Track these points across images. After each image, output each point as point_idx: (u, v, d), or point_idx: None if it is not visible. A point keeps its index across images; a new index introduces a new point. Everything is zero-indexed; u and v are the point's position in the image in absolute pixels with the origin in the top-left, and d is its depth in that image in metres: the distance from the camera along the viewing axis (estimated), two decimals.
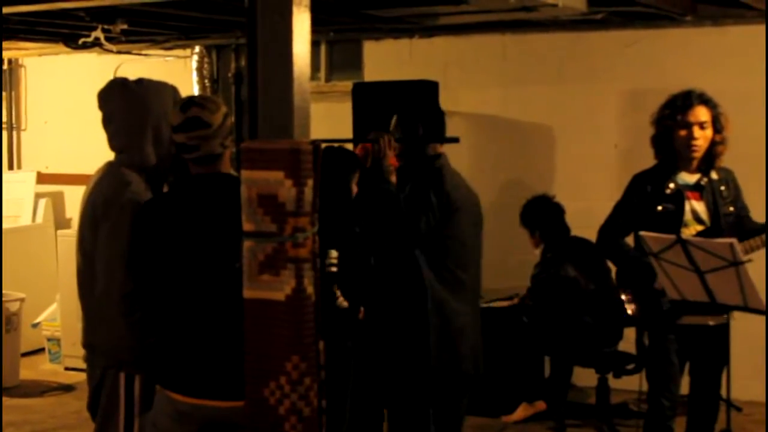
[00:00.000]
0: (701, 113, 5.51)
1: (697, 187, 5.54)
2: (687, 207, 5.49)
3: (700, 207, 5.52)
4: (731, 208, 5.55)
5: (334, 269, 5.67)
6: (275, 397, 3.71)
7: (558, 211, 7.86)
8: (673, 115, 5.53)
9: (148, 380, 4.30)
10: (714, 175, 5.56)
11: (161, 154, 4.46)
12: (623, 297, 5.75)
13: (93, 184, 4.49)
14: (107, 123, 4.56)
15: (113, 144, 4.55)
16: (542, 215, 7.84)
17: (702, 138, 5.50)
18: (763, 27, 8.25)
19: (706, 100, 5.55)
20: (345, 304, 5.74)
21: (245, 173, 3.73)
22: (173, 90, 4.59)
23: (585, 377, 7.90)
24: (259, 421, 3.75)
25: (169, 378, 4.14)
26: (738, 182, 5.68)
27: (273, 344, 3.70)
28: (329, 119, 8.68)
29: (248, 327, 3.76)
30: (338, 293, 5.70)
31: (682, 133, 5.51)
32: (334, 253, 5.67)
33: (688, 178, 5.56)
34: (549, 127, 9.00)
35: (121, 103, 4.49)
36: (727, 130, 5.58)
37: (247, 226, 3.73)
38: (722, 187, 5.56)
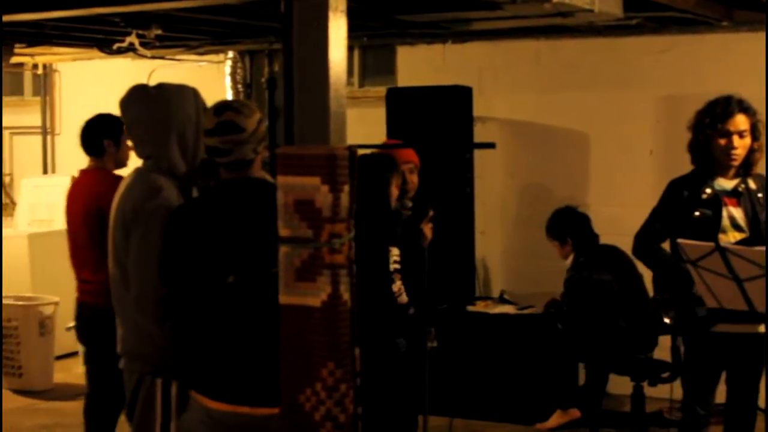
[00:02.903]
0: (741, 122, 5.46)
1: (734, 193, 5.49)
2: (724, 213, 5.45)
3: (738, 213, 5.47)
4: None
5: (397, 266, 5.72)
6: (311, 404, 3.69)
7: (585, 219, 7.88)
8: (713, 124, 5.47)
9: (184, 386, 4.29)
10: (751, 184, 5.51)
11: (188, 158, 4.45)
12: (659, 299, 5.72)
13: (123, 190, 4.48)
14: (131, 130, 4.57)
15: (139, 151, 4.55)
16: (571, 224, 7.83)
17: (741, 147, 5.45)
18: None
19: (745, 108, 5.49)
20: (406, 299, 5.78)
21: (281, 179, 3.71)
22: (194, 93, 4.57)
23: (620, 385, 7.86)
24: (294, 428, 3.73)
25: (203, 383, 4.13)
26: None
27: (308, 351, 3.69)
28: (363, 124, 8.68)
29: (284, 333, 3.75)
30: (402, 289, 5.74)
31: (722, 141, 5.46)
32: (395, 251, 5.70)
33: (726, 183, 5.52)
34: (583, 134, 8.96)
35: (143, 110, 4.49)
36: (764, 136, 5.53)
37: (283, 232, 3.71)
38: (759, 194, 5.51)
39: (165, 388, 4.35)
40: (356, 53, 9.96)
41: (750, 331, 5.36)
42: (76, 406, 6.53)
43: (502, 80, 9.19)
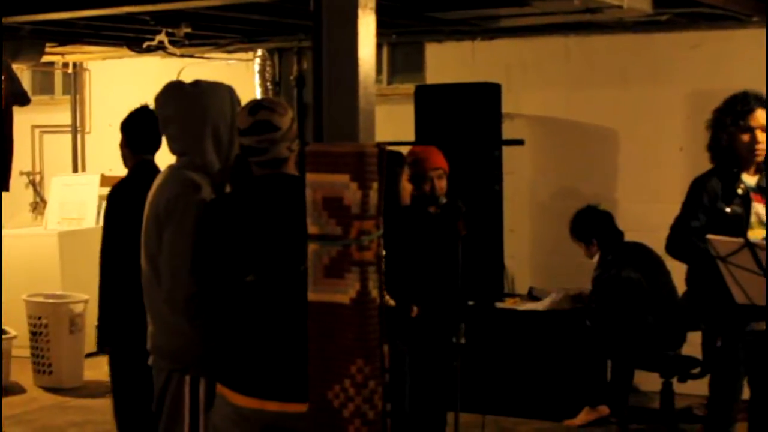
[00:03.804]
0: (762, 116, 5.43)
1: (759, 189, 5.47)
2: (753, 209, 5.43)
3: (762, 209, 5.44)
4: None
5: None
6: (339, 400, 3.70)
7: (608, 217, 7.86)
8: (735, 121, 5.44)
9: (212, 383, 4.30)
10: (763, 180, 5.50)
11: (222, 155, 4.46)
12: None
13: (156, 187, 4.50)
14: (165, 127, 4.57)
15: (173, 147, 4.56)
16: (595, 224, 7.82)
17: (764, 141, 5.42)
18: None
19: (764, 102, 5.46)
20: (391, 303, 5.74)
21: (310, 176, 3.73)
22: (230, 90, 4.58)
23: (649, 382, 7.84)
24: (323, 424, 3.75)
25: (232, 379, 4.14)
26: None
27: (337, 347, 3.70)
28: (391, 122, 8.68)
29: (312, 330, 3.76)
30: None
31: (745, 137, 5.43)
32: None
33: (750, 179, 5.49)
34: (613, 130, 8.94)
35: (179, 106, 4.50)
36: None
37: (312, 229, 3.72)
38: None
39: (193, 385, 4.37)
40: (385, 50, 9.96)
41: (762, 327, 5.35)
42: (106, 404, 6.55)
43: (530, 77, 9.17)
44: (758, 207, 5.44)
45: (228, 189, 4.44)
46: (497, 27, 8.76)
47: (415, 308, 5.88)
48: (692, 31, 8.58)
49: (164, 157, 4.87)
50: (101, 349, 5.77)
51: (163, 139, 4.67)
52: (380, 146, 3.73)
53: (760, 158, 5.44)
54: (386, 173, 5.73)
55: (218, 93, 4.52)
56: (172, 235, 4.31)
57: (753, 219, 5.41)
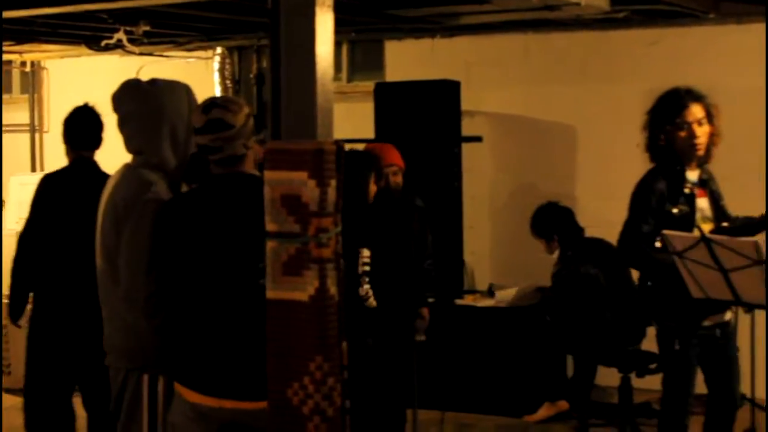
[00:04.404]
0: (697, 110, 5.45)
1: (700, 183, 5.50)
2: (697, 206, 5.45)
3: (704, 204, 5.47)
4: (722, 202, 5.53)
5: (367, 268, 5.70)
6: (298, 398, 3.70)
7: (569, 213, 7.89)
8: (670, 119, 5.46)
9: (171, 381, 4.30)
10: (706, 173, 5.53)
11: (179, 154, 4.46)
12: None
13: (112, 186, 4.49)
14: (123, 125, 4.56)
15: (130, 146, 4.55)
16: (555, 220, 7.85)
17: (703, 135, 5.44)
18: None
19: (696, 96, 5.48)
20: (374, 304, 5.75)
21: (268, 174, 3.73)
22: (187, 89, 4.59)
23: (608, 377, 7.88)
24: (282, 422, 3.75)
25: (190, 377, 4.13)
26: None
27: (296, 345, 3.70)
28: (351, 119, 8.70)
29: (271, 328, 3.76)
30: (371, 293, 5.72)
31: (683, 134, 5.45)
32: (366, 252, 5.69)
33: (692, 175, 5.51)
34: (571, 127, 8.99)
35: (136, 105, 4.49)
36: (718, 119, 5.51)
37: (270, 227, 3.72)
38: (712, 183, 5.54)
39: (152, 384, 4.36)
40: (345, 48, 9.96)
41: (718, 321, 5.38)
42: None
43: (490, 74, 9.19)
44: (701, 202, 5.47)
45: (184, 188, 4.44)
46: (457, 24, 8.79)
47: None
48: (649, 28, 8.63)
49: (112, 156, 4.88)
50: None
51: (107, 137, 4.71)
52: (338, 144, 3.73)
53: (701, 152, 5.46)
54: (357, 174, 5.81)
55: (175, 92, 4.52)
56: (131, 234, 4.30)
57: (698, 216, 5.43)
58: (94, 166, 5.77)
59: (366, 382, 5.81)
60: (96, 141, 5.83)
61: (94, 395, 5.75)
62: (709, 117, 5.47)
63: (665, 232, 5.10)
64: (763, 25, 8.26)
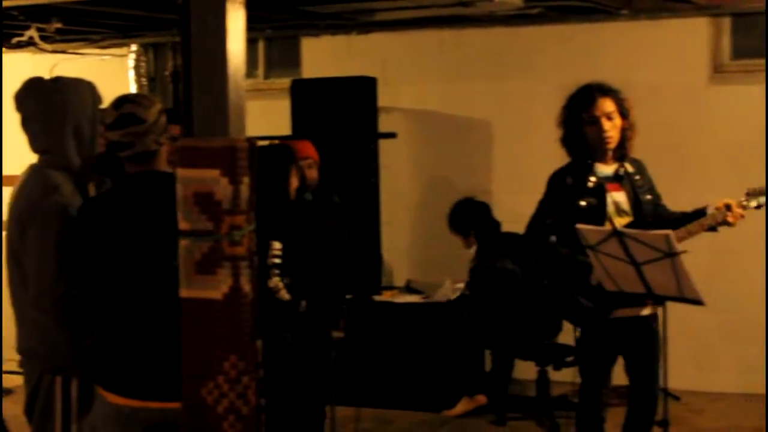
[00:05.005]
0: (605, 104, 5.51)
1: (616, 178, 5.56)
2: (608, 199, 5.50)
3: (620, 197, 5.53)
4: (649, 197, 5.59)
5: (277, 260, 5.67)
6: (213, 397, 3.68)
7: (485, 208, 7.95)
8: (580, 113, 5.54)
9: (85, 383, 4.26)
10: (629, 168, 5.59)
11: (84, 153, 4.41)
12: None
13: (18, 187, 4.42)
14: (26, 124, 4.48)
15: (35, 146, 4.48)
16: (472, 216, 7.90)
17: (612, 129, 5.51)
18: (698, 20, 8.36)
19: (606, 91, 5.55)
20: (287, 297, 5.73)
21: (181, 172, 3.70)
22: (91, 86, 4.52)
23: (525, 370, 7.94)
24: (197, 421, 3.72)
25: (110, 380, 4.10)
26: (649, 173, 5.71)
27: (210, 343, 3.68)
28: (268, 116, 8.69)
29: (185, 326, 3.73)
30: (281, 285, 5.70)
31: (592, 128, 5.52)
32: (277, 245, 5.67)
33: (606, 169, 5.57)
34: (487, 122, 9.04)
35: (39, 103, 4.42)
36: (633, 114, 5.59)
37: (183, 225, 3.70)
38: (637, 177, 5.59)
39: (65, 387, 4.31)
40: (261, 45, 9.93)
41: (635, 314, 5.45)
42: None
43: (406, 70, 9.22)
44: (616, 196, 5.52)
45: (91, 187, 4.40)
46: (372, 21, 8.79)
47: (303, 302, 5.89)
48: (563, 24, 8.70)
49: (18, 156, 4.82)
50: None
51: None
52: (251, 140, 3.72)
53: (611, 146, 5.53)
54: (277, 168, 5.78)
55: (79, 89, 4.47)
56: (37, 236, 4.24)
57: (610, 209, 5.48)
58: None
59: (285, 378, 5.80)
60: None
61: None
62: (621, 111, 5.54)
63: (578, 226, 5.14)
64: (675, 21, 8.42)
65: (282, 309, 5.73)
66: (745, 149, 8.26)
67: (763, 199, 5.38)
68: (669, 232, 4.88)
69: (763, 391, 8.14)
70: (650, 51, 8.49)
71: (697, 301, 4.96)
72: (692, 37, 8.43)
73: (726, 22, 8.46)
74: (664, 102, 8.29)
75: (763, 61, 8.30)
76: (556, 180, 5.62)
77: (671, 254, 4.84)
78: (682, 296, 5.00)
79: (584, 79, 5.72)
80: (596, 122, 5.50)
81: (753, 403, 8.07)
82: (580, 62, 8.52)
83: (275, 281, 5.68)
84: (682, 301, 5.04)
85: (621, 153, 5.58)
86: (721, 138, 8.36)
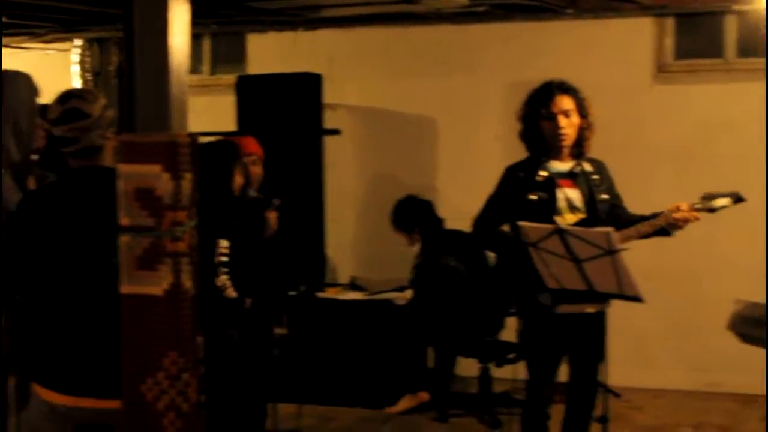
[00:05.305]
0: (564, 102, 5.56)
1: (570, 175, 5.59)
2: (560, 195, 5.53)
3: (574, 194, 5.57)
4: (605, 196, 5.62)
5: (224, 258, 5.66)
6: (153, 393, 3.67)
7: (429, 206, 7.96)
8: (536, 109, 5.58)
9: (22, 380, 4.22)
10: (587, 167, 5.63)
11: (23, 146, 4.37)
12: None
13: None
14: None
15: None
16: (415, 214, 7.92)
17: (569, 126, 5.55)
18: (642, 20, 8.43)
19: (566, 89, 5.60)
20: (233, 294, 5.73)
21: (122, 167, 3.68)
22: (28, 78, 4.48)
23: (468, 367, 7.96)
24: (137, 418, 3.71)
25: (46, 376, 4.07)
26: (610, 173, 5.75)
27: (151, 340, 3.66)
28: (213, 112, 8.66)
29: (125, 323, 3.71)
30: (228, 284, 5.69)
31: (548, 124, 5.57)
32: (224, 243, 5.66)
33: (561, 166, 5.61)
34: (432, 119, 9.06)
35: None
36: (592, 115, 5.63)
37: (124, 221, 3.68)
38: (595, 176, 5.63)
39: (1, 383, 4.28)
40: (206, 41, 9.89)
41: (589, 310, 5.48)
42: None
43: (352, 67, 9.22)
44: (569, 192, 5.55)
45: (31, 181, 4.37)
46: (319, 17, 8.80)
47: (248, 300, 5.88)
48: (509, 22, 8.74)
49: None
50: None
51: None
52: (193, 136, 3.70)
53: (566, 143, 5.57)
54: (221, 164, 5.76)
55: (16, 81, 4.42)
56: None
57: (561, 204, 5.52)
58: None
59: (230, 376, 5.79)
60: None
61: None
62: (580, 110, 5.58)
63: (520, 223, 5.17)
64: (619, 21, 8.48)
65: (228, 306, 5.72)
66: (688, 149, 8.36)
67: (717, 203, 5.39)
68: (609, 229, 4.92)
69: (701, 387, 8.26)
70: (595, 50, 8.55)
71: (637, 298, 5.01)
72: (636, 37, 8.50)
73: (670, 23, 8.54)
74: (608, 101, 8.31)
75: (704, 62, 8.43)
76: (508, 174, 5.67)
77: (611, 251, 4.88)
78: (622, 293, 5.04)
79: (529, 78, 5.77)
80: (553, 118, 5.54)
81: (692, 399, 8.16)
82: (525, 60, 8.57)
83: (223, 279, 5.67)
84: (623, 298, 5.09)
85: (578, 151, 5.62)
86: (664, 137, 8.44)
